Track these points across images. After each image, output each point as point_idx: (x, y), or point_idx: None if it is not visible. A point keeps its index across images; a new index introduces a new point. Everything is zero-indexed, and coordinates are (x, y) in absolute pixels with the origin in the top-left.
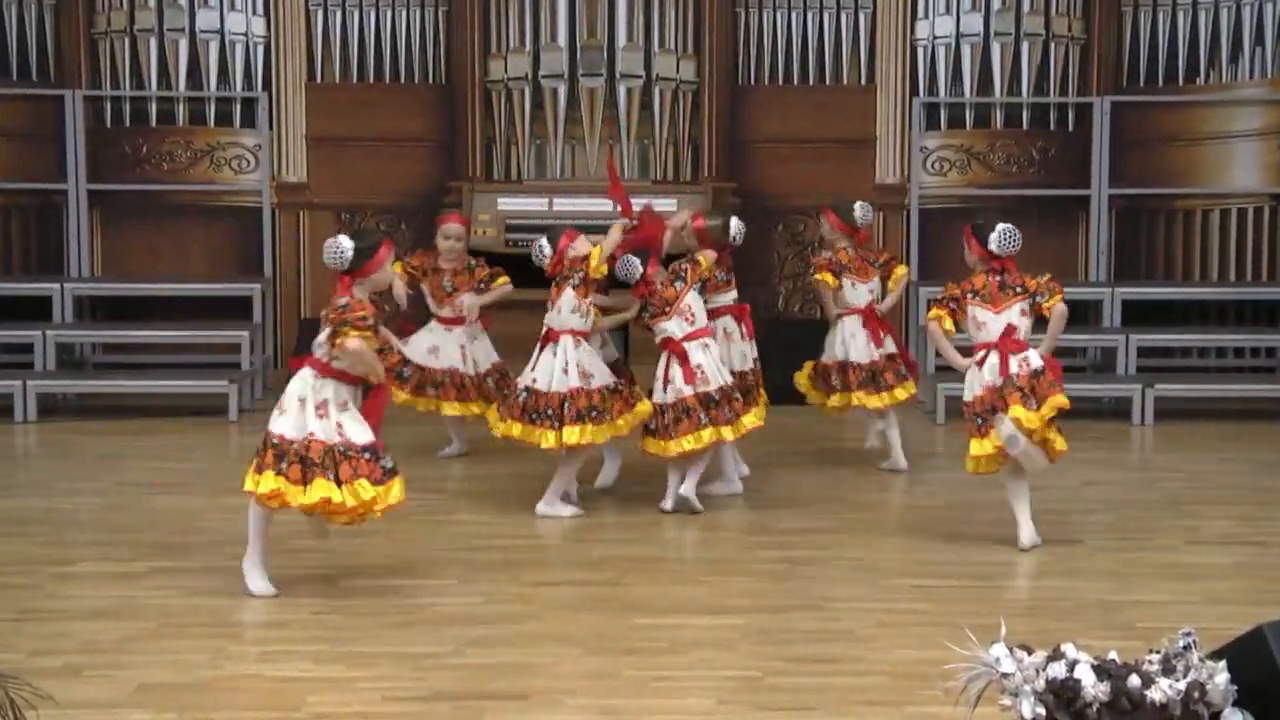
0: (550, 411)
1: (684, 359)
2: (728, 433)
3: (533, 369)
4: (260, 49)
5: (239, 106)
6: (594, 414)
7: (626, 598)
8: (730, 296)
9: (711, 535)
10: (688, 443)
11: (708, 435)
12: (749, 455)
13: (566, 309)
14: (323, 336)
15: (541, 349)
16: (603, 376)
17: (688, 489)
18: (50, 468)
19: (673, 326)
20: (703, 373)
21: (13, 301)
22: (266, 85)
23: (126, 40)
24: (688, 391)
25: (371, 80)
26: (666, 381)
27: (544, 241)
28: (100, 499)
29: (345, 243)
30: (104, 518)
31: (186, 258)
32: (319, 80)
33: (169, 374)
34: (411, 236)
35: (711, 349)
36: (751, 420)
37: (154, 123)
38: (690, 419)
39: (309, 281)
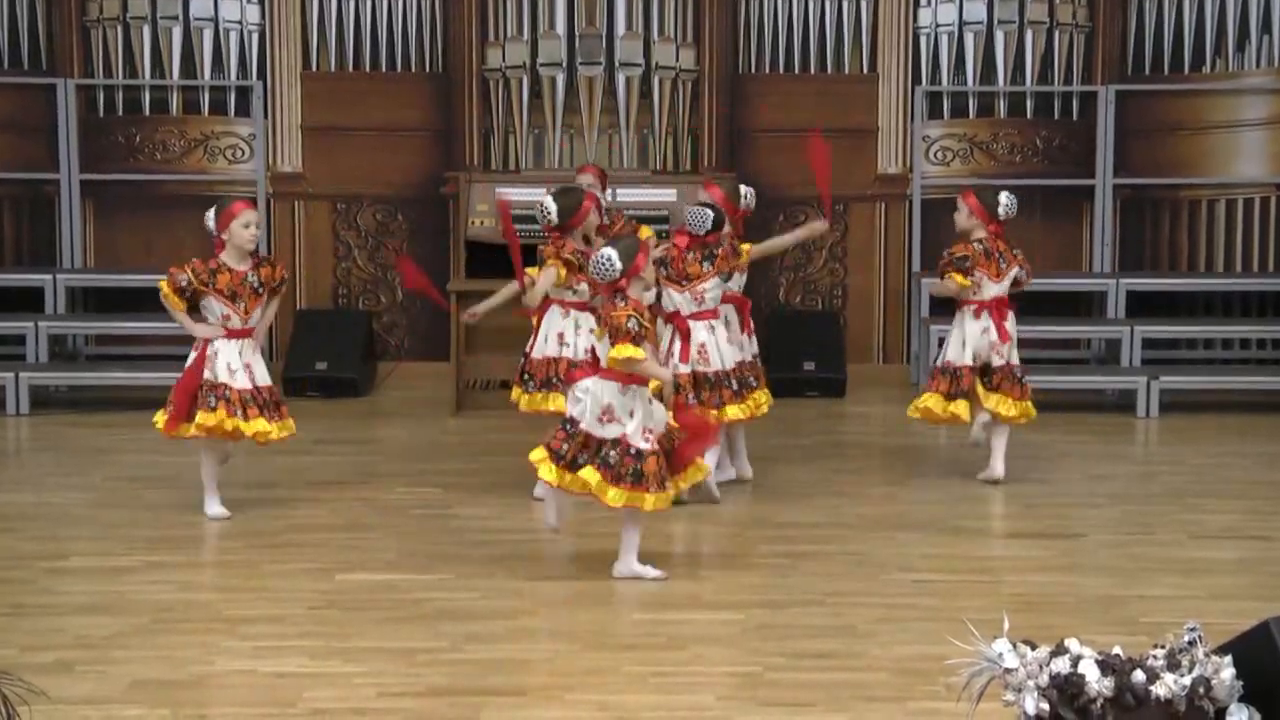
0: (526, 375)
1: (686, 337)
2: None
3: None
4: (255, 37)
5: (233, 95)
6: (559, 383)
7: (625, 592)
8: (739, 283)
9: (711, 529)
10: (735, 410)
11: None
12: (750, 449)
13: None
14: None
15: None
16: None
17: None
18: (42, 461)
19: (680, 300)
20: (704, 353)
21: (4, 293)
22: (261, 74)
23: (119, 28)
24: (683, 370)
25: (368, 69)
26: (667, 357)
27: (549, 201)
28: (92, 493)
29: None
30: (96, 512)
31: (180, 248)
32: (314, 69)
33: (162, 366)
34: (408, 228)
35: (718, 331)
36: (734, 412)
37: (147, 112)
38: (677, 397)
39: (304, 272)
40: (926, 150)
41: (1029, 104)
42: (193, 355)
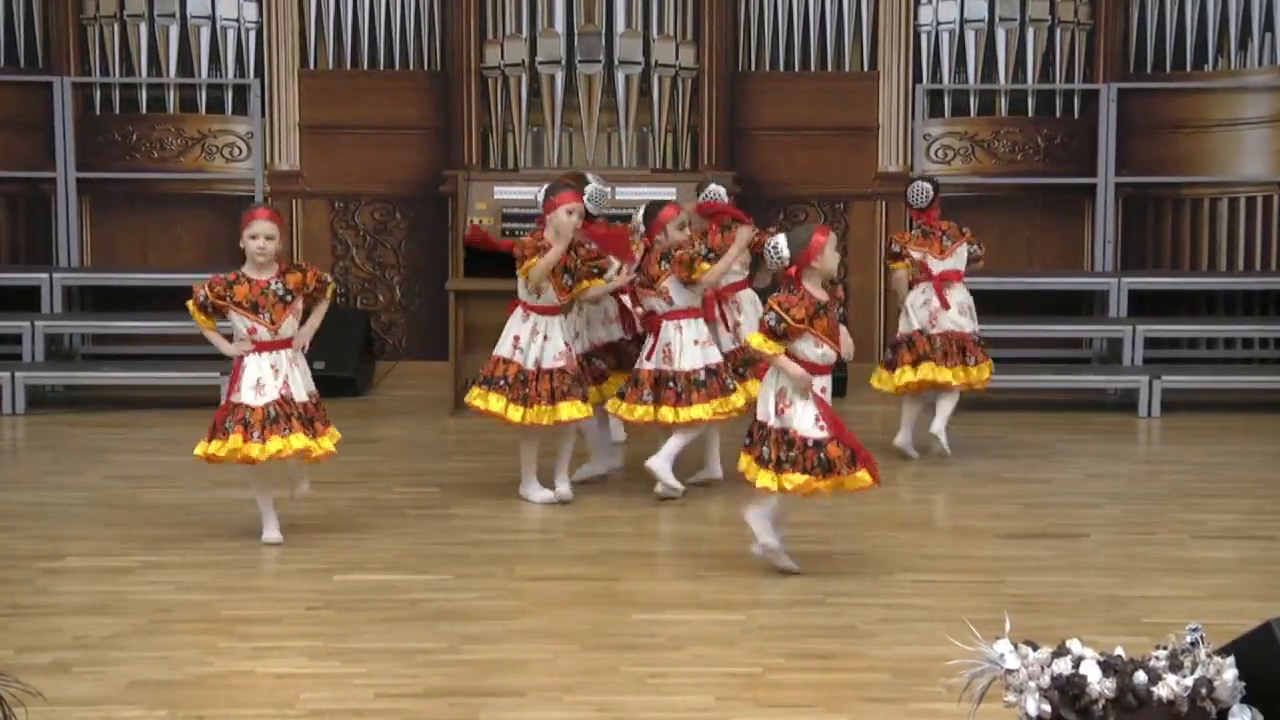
0: (499, 380)
1: (655, 334)
2: (667, 414)
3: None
4: (252, 35)
5: (231, 93)
6: (504, 385)
7: (624, 593)
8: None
9: (710, 529)
10: (700, 411)
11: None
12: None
13: (519, 280)
14: None
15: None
16: (552, 356)
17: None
18: (39, 460)
19: (654, 303)
20: (667, 352)
21: (1, 292)
22: (259, 72)
23: (116, 26)
24: (648, 366)
25: (365, 67)
26: (650, 354)
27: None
28: (90, 492)
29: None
30: (93, 511)
31: (177, 247)
32: (312, 67)
33: (159, 365)
34: (406, 227)
35: (684, 331)
36: (699, 413)
37: (144, 110)
38: (709, 388)
39: None
40: (927, 149)
41: (1030, 102)
42: (229, 377)
